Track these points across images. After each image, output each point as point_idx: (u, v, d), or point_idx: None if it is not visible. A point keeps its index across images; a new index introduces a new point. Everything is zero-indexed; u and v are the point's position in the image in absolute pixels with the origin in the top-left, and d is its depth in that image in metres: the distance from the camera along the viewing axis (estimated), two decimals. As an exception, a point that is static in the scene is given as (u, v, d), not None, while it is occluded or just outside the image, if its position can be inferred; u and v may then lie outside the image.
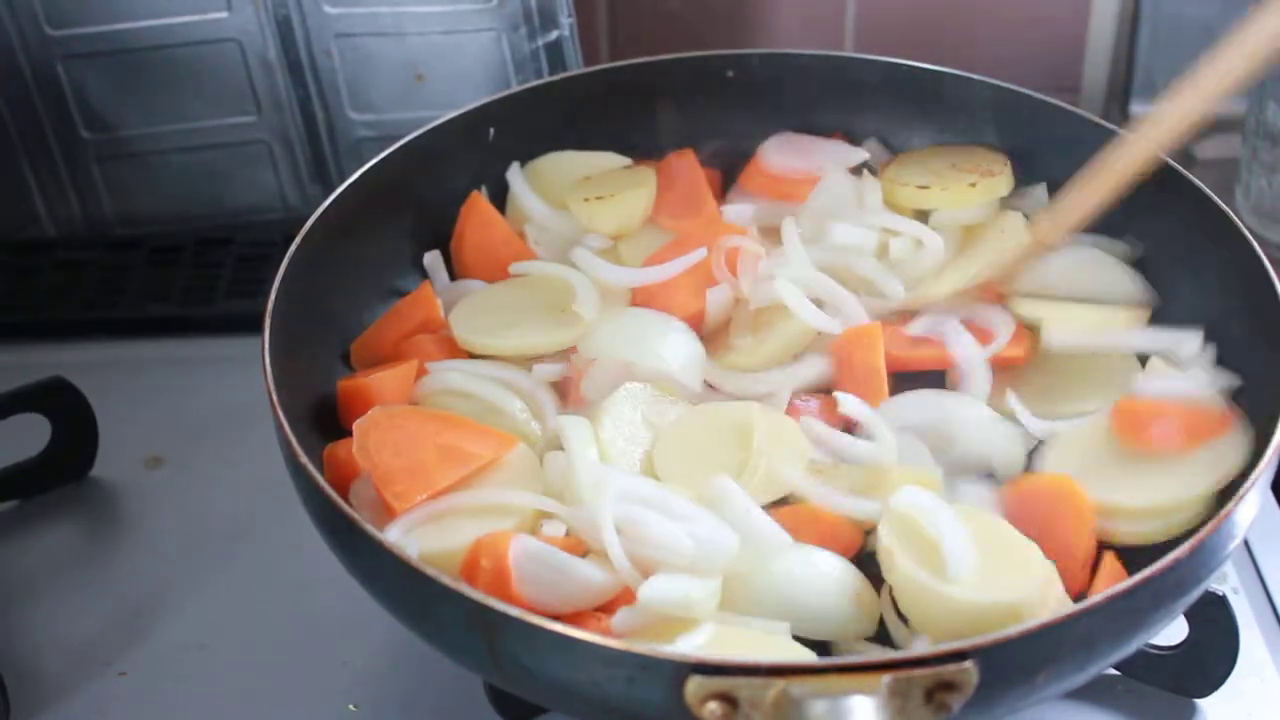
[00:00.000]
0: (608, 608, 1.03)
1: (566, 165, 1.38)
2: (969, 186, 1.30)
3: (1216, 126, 1.75)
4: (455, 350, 1.23)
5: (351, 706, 1.17)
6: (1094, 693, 1.14)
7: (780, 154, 1.37)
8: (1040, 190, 1.34)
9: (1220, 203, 1.19)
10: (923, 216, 1.33)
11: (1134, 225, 1.29)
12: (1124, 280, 1.25)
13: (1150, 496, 1.08)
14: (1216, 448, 1.08)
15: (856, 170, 1.36)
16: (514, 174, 1.36)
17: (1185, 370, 1.17)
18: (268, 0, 1.53)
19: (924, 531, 1.03)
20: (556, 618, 0.95)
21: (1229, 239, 1.17)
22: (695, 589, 0.99)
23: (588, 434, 1.12)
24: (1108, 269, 1.26)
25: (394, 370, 1.18)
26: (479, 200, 1.34)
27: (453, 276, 1.33)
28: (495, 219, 1.33)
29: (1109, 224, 1.29)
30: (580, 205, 1.31)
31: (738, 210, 1.32)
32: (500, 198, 1.37)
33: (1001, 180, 1.31)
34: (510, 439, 1.13)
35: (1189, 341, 1.18)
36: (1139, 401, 1.13)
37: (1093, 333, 1.21)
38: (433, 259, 1.32)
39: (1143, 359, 1.20)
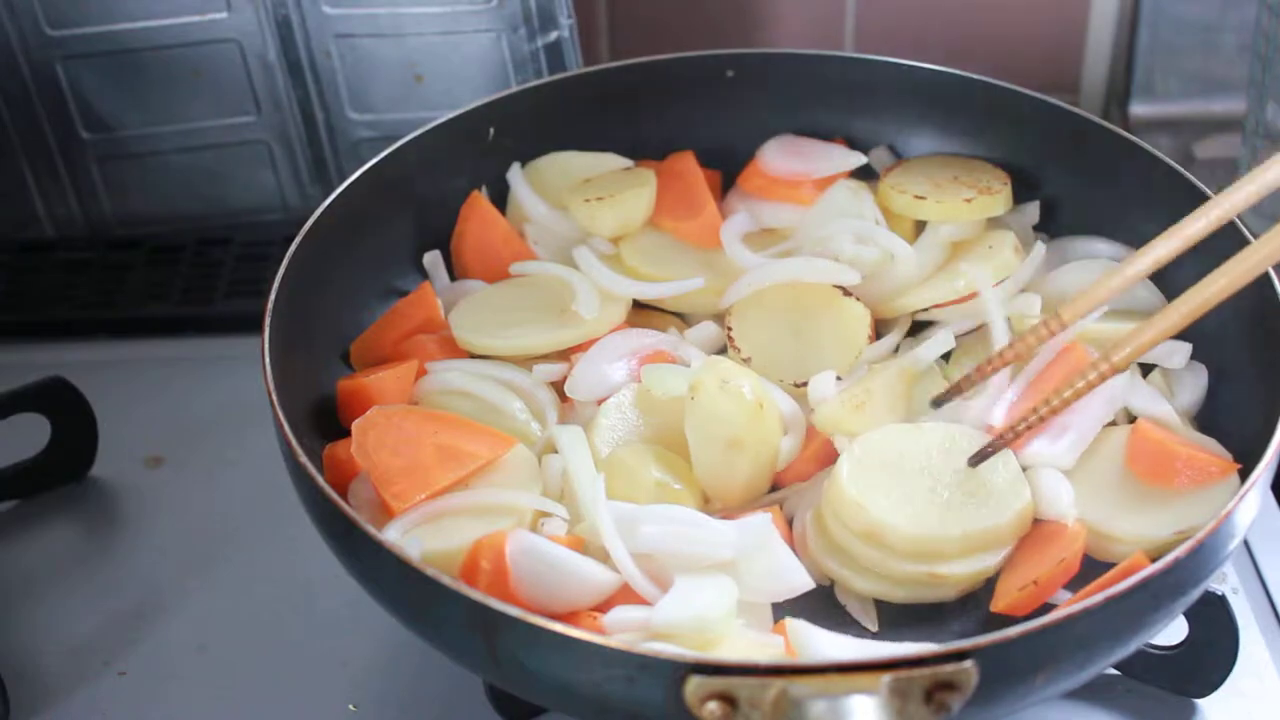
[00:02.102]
0: (604, 607, 1.03)
1: (567, 165, 1.38)
2: (964, 201, 1.30)
3: (1216, 126, 1.75)
4: (455, 350, 1.23)
5: (351, 706, 1.17)
6: (1094, 693, 1.14)
7: (779, 156, 1.37)
8: (1033, 209, 1.34)
9: (1220, 202, 1.19)
10: (920, 225, 1.33)
11: (1134, 226, 1.29)
12: (1139, 289, 1.24)
13: (1145, 529, 1.08)
14: (1215, 490, 1.09)
15: (858, 174, 1.36)
16: (514, 174, 1.36)
17: (1177, 381, 1.19)
18: (267, 1, 1.53)
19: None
20: (556, 616, 0.95)
21: (1229, 239, 1.17)
22: (710, 609, 0.99)
23: (583, 443, 1.12)
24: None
25: (394, 370, 1.18)
26: (479, 200, 1.34)
27: (453, 277, 1.33)
28: (496, 219, 1.33)
29: (1111, 228, 1.30)
30: (580, 206, 1.31)
31: (737, 222, 1.33)
32: (500, 198, 1.37)
33: (998, 199, 1.31)
34: (508, 439, 1.13)
35: (1178, 353, 1.19)
36: (1155, 438, 1.12)
37: (1095, 344, 1.20)
38: (432, 259, 1.32)
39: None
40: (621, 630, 0.99)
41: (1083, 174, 1.32)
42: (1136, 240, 1.28)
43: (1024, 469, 1.12)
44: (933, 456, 1.11)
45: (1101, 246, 1.30)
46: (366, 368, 1.22)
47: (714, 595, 1.00)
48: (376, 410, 1.12)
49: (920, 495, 1.08)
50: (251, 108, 1.60)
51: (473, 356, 1.23)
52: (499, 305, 1.27)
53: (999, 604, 1.07)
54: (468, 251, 1.33)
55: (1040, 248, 1.29)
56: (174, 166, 1.63)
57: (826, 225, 1.30)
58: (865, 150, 1.38)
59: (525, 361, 1.22)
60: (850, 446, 1.11)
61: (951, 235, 1.30)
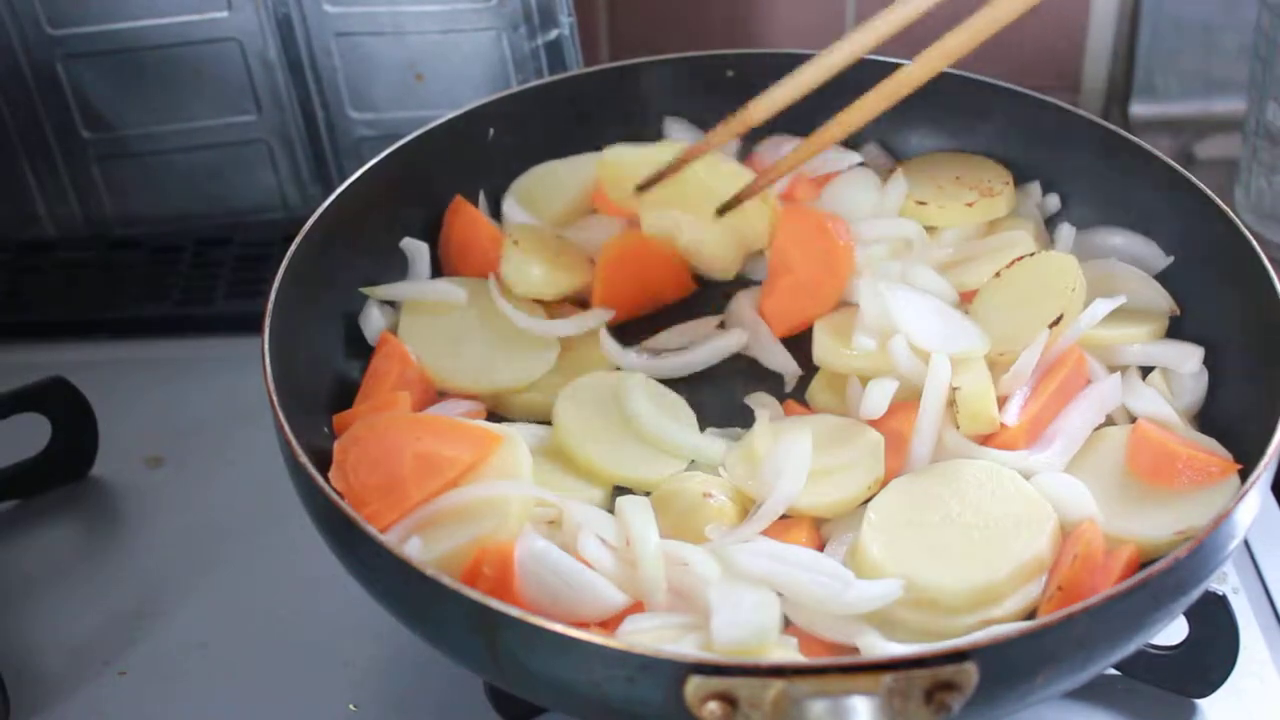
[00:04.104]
0: (609, 624, 1.02)
1: (553, 177, 1.37)
2: (966, 205, 1.30)
3: (1216, 126, 1.75)
4: (431, 393, 1.21)
5: (351, 706, 1.17)
6: (1094, 693, 1.14)
7: (775, 155, 1.37)
8: (1054, 199, 1.34)
9: (1220, 203, 1.19)
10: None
11: (1134, 226, 1.29)
12: (1148, 290, 1.24)
13: (1145, 529, 1.07)
14: (1216, 490, 1.08)
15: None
16: (509, 202, 1.35)
17: (1177, 382, 1.19)
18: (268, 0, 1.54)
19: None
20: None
21: (1229, 239, 1.17)
22: (765, 619, 0.98)
23: (649, 516, 1.08)
24: (1132, 280, 1.25)
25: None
26: (462, 204, 1.33)
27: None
28: (478, 220, 1.33)
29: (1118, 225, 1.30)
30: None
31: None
32: (501, 198, 1.37)
33: (1000, 201, 1.31)
34: (494, 437, 1.10)
35: (1191, 358, 1.19)
36: (1155, 438, 1.12)
37: (1105, 349, 1.21)
38: (412, 246, 1.30)
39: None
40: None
41: (1083, 174, 1.32)
42: (1162, 253, 1.28)
43: (1027, 478, 1.10)
44: (947, 499, 1.08)
45: (1118, 240, 1.29)
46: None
47: (762, 607, 0.99)
48: (361, 424, 1.11)
49: (955, 544, 1.04)
50: (252, 107, 1.60)
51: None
52: (458, 334, 1.24)
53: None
54: (454, 254, 1.32)
55: (1070, 231, 1.29)
56: (174, 166, 1.63)
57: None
58: (856, 146, 1.38)
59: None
60: (866, 515, 1.07)
61: (956, 238, 1.30)
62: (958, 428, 1.13)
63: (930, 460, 1.13)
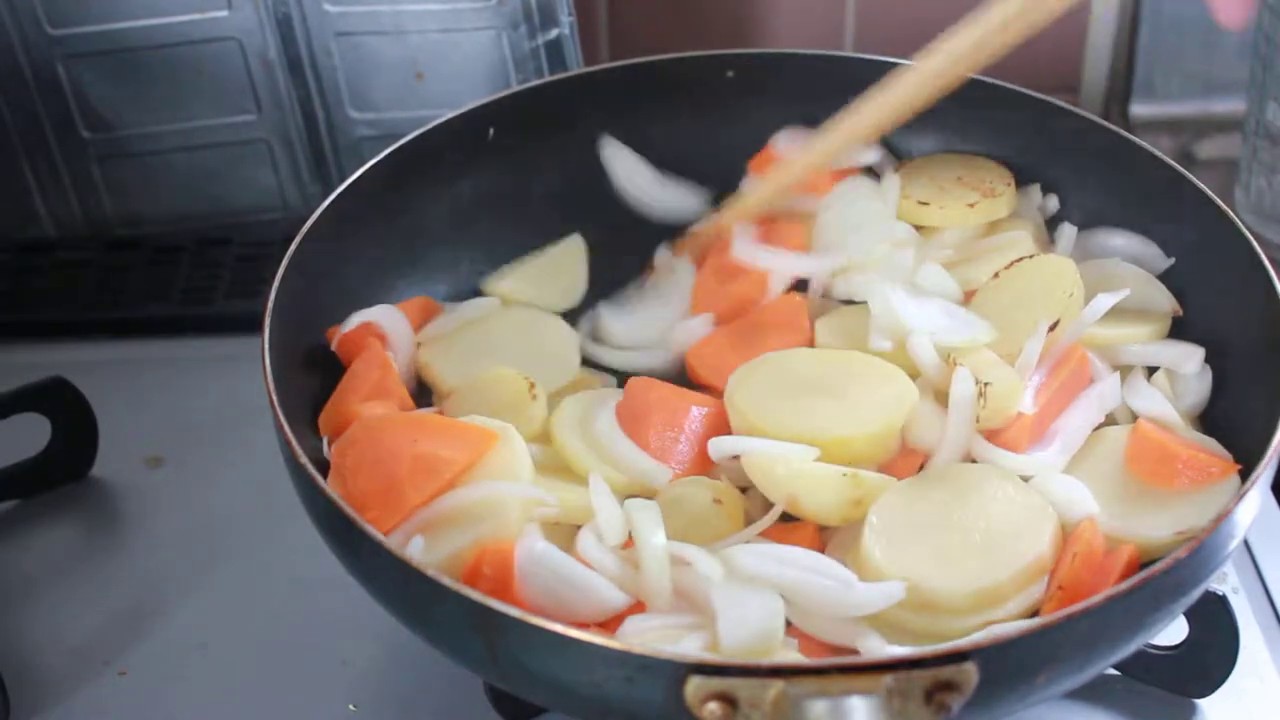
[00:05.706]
0: (610, 625, 1.02)
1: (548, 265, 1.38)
2: (968, 206, 1.30)
3: (1216, 126, 1.75)
4: (408, 403, 1.19)
5: (351, 706, 1.17)
6: (1094, 693, 1.14)
7: (794, 145, 1.37)
8: (1053, 200, 1.34)
9: (1220, 203, 1.19)
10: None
11: (1134, 225, 1.29)
12: (1150, 290, 1.24)
13: (1145, 529, 1.07)
14: (1216, 490, 1.08)
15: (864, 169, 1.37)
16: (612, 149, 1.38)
17: (1181, 383, 1.18)
18: (268, -1, 1.54)
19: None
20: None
21: (1229, 239, 1.17)
22: (770, 623, 0.98)
23: (656, 518, 1.06)
24: (1134, 280, 1.24)
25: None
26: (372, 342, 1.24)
27: None
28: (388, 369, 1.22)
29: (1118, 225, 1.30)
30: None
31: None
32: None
33: (1002, 202, 1.31)
34: (490, 435, 1.09)
35: (1192, 358, 1.18)
36: (1155, 438, 1.12)
37: (1105, 349, 1.20)
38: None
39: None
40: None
41: (1082, 175, 1.32)
42: (1165, 253, 1.28)
43: (1027, 478, 1.10)
44: (948, 502, 1.07)
45: (1118, 240, 1.29)
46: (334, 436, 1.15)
47: (767, 610, 0.99)
48: (358, 426, 1.10)
49: (956, 547, 1.04)
50: (252, 106, 1.60)
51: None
52: (476, 349, 1.24)
53: None
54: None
55: (1071, 231, 1.29)
56: (175, 166, 1.63)
57: (844, 233, 1.30)
58: None
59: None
60: (868, 518, 1.07)
61: (956, 239, 1.30)
62: (976, 420, 1.12)
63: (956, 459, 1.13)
